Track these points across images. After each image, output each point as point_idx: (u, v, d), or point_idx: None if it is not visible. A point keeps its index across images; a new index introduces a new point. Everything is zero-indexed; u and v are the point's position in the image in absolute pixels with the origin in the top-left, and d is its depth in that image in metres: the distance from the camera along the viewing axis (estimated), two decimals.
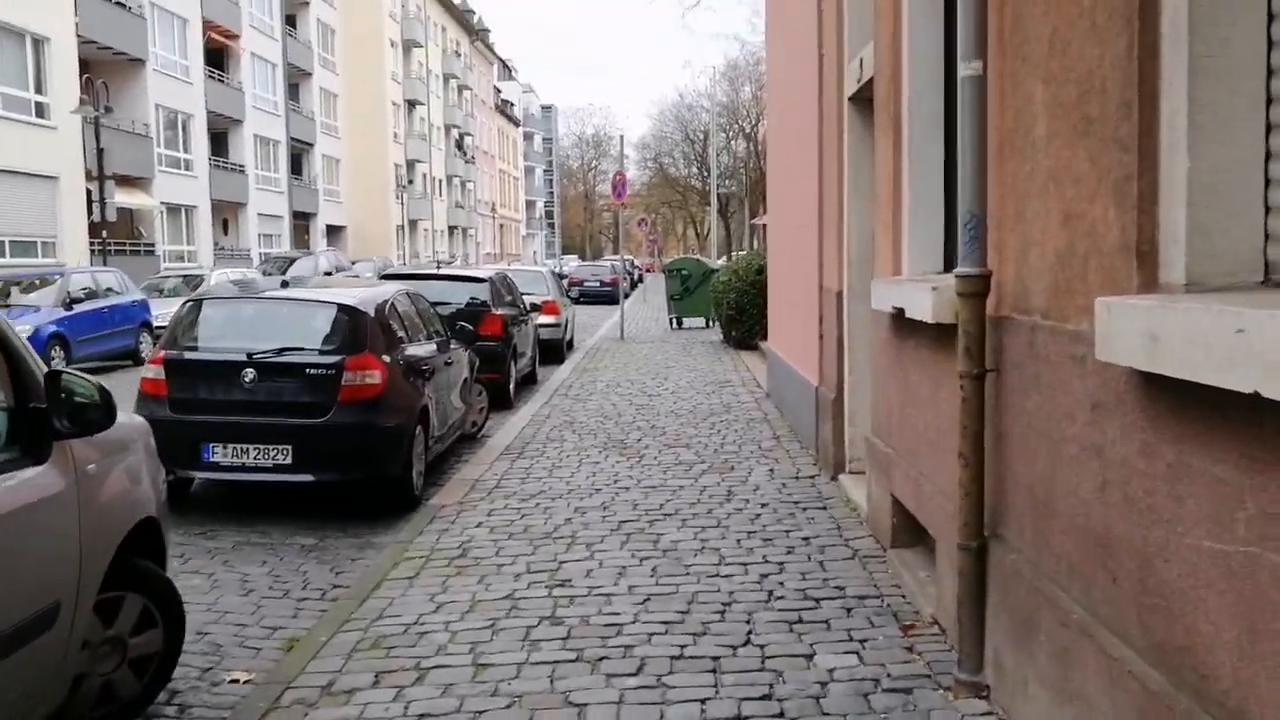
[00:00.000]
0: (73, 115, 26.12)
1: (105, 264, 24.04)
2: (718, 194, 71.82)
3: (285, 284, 8.56)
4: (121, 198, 30.67)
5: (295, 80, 52.33)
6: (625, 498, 7.93)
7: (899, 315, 5.48)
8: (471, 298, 13.48)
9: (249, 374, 7.60)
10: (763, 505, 7.57)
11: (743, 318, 19.48)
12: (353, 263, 37.49)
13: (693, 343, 21.92)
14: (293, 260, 32.11)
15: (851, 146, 7.88)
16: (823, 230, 8.84)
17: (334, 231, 57.40)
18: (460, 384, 10.36)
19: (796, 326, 10.61)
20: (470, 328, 10.66)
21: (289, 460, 7.58)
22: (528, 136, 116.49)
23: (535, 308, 16.17)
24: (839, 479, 8.06)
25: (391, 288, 9.36)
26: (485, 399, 11.46)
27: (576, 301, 42.27)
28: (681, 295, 25.69)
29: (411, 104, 67.58)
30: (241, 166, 44.62)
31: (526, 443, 10.47)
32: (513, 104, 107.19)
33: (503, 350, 13.29)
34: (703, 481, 8.45)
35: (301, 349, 7.85)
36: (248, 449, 7.56)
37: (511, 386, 13.64)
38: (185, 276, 23.88)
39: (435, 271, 13.88)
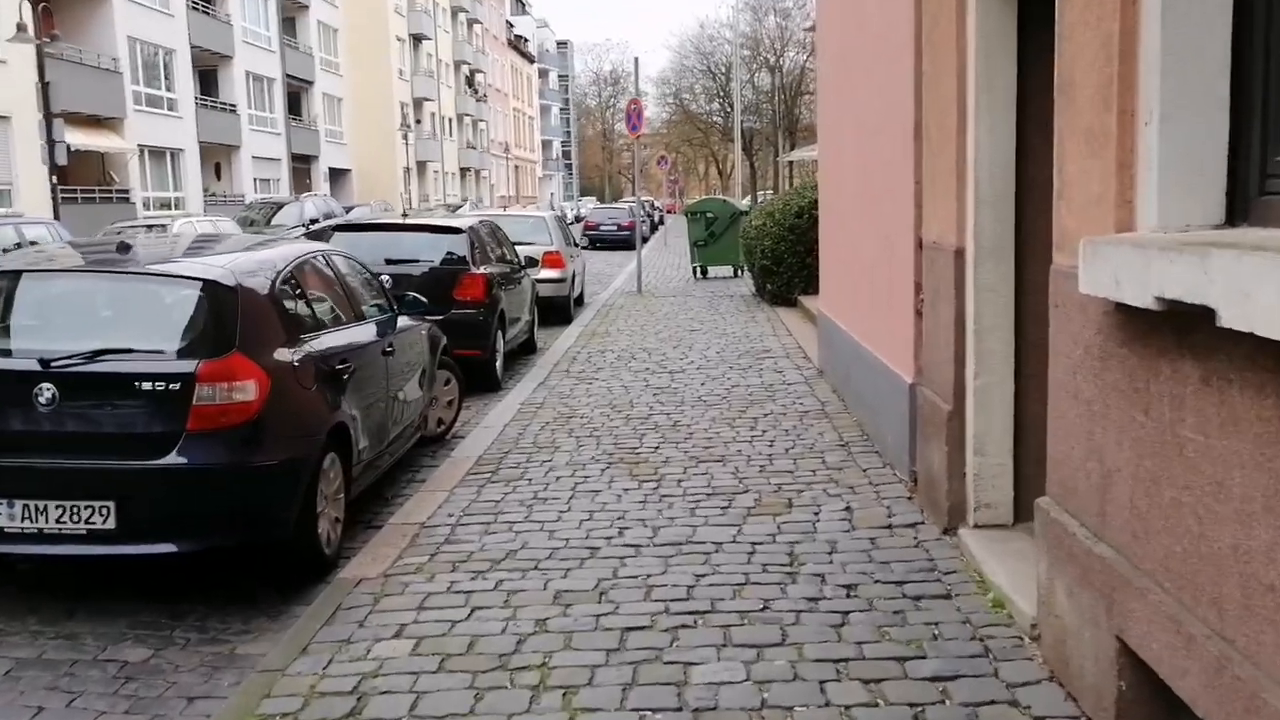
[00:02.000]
0: (24, 47, 23.27)
1: (57, 213, 21.36)
2: (741, 130, 68.49)
3: (125, 247, 5.80)
4: (85, 139, 27.99)
5: (291, 14, 49.21)
6: (633, 569, 5.21)
7: (1168, 315, 2.71)
8: (448, 253, 10.70)
9: (46, 391, 4.88)
10: (848, 591, 4.82)
11: (780, 268, 16.64)
12: (348, 208, 34.65)
13: (720, 296, 19.11)
14: (279, 206, 29.32)
15: (983, 23, 5.02)
16: (922, 156, 6.01)
17: (338, 175, 54.54)
18: (416, 375, 7.66)
19: (867, 290, 7.81)
20: (424, 299, 7.85)
21: (111, 524, 4.87)
22: (543, 74, 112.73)
23: (532, 261, 13.39)
24: (959, 534, 5.32)
25: (298, 249, 6.55)
26: (457, 388, 8.74)
27: (593, 248, 39.55)
28: (706, 241, 22.82)
29: (417, 39, 64.23)
30: (233, 106, 41.73)
31: (506, 451, 7.79)
32: (527, 39, 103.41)
33: (485, 319, 10.55)
34: (749, 532, 5.71)
35: (131, 351, 5.10)
36: (45, 508, 4.86)
37: (498, 364, 10.91)
38: (149, 226, 21.16)
39: (400, 222, 11.12)
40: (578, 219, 51.95)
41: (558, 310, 16.29)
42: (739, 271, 23.14)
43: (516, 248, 15.63)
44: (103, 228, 21.47)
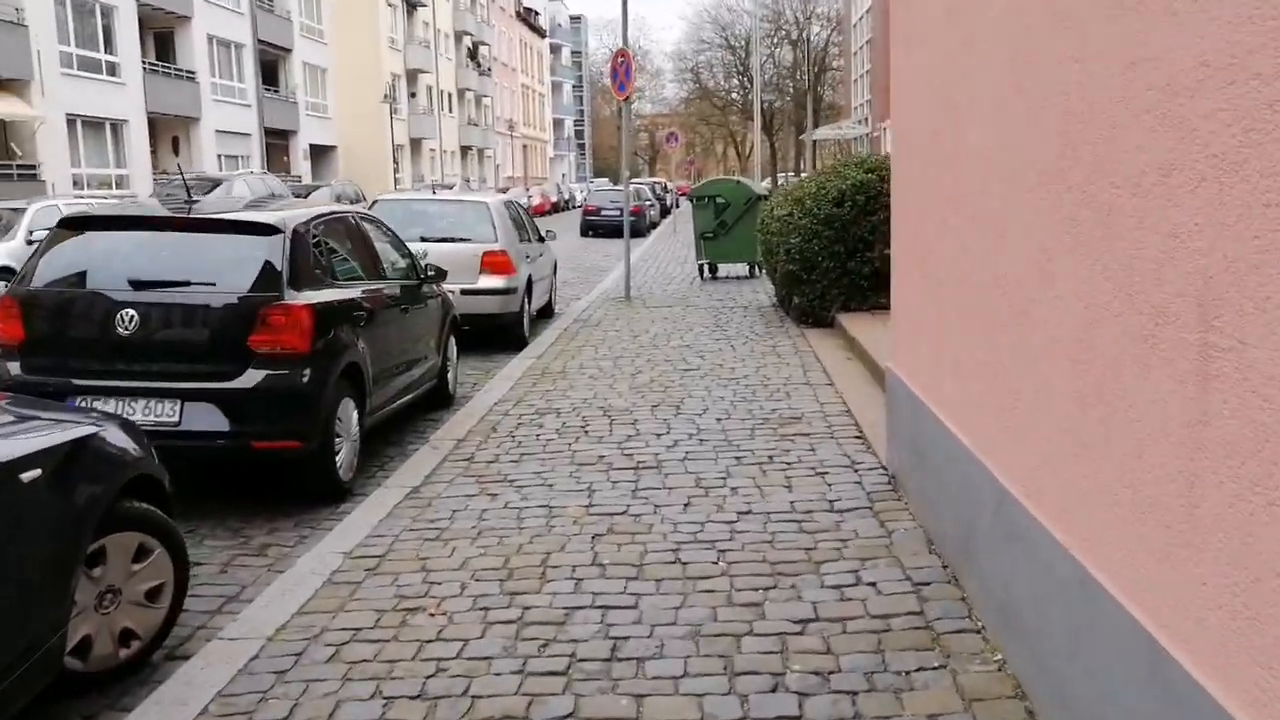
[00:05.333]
0: None
1: None
2: (762, 108, 63.76)
3: None
4: None
5: None
6: None
7: None
8: (251, 270, 6.12)
9: None
10: None
11: (812, 276, 12.07)
12: (307, 191, 29.93)
13: (730, 307, 14.56)
14: (215, 184, 24.65)
15: None
16: None
17: (321, 152, 50.02)
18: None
19: (1059, 401, 3.27)
20: None
21: None
22: (555, 49, 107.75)
23: (440, 272, 8.84)
24: None
25: None
26: (170, 568, 4.24)
27: (595, 235, 34.95)
28: (715, 232, 18.26)
29: (412, 5, 59.45)
30: (192, 73, 37.19)
31: None
32: (537, 13, 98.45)
33: (312, 381, 6.03)
34: None
35: None
36: None
37: (342, 455, 6.39)
38: (13, 209, 16.66)
39: (162, 215, 6.54)
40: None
41: (504, 331, 11.82)
42: (756, 270, 18.62)
43: (442, 246, 11.24)
44: None
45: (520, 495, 6.07)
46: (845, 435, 7.25)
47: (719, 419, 7.82)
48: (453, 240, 11.66)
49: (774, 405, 8.24)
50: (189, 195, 6.65)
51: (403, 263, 8.38)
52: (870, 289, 11.76)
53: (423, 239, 11.40)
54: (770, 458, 6.71)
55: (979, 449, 4.12)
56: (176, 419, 5.79)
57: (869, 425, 7.37)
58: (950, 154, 4.59)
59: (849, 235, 11.69)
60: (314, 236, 6.63)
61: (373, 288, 7.32)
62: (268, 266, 6.11)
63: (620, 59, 15.53)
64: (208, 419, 5.80)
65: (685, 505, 5.79)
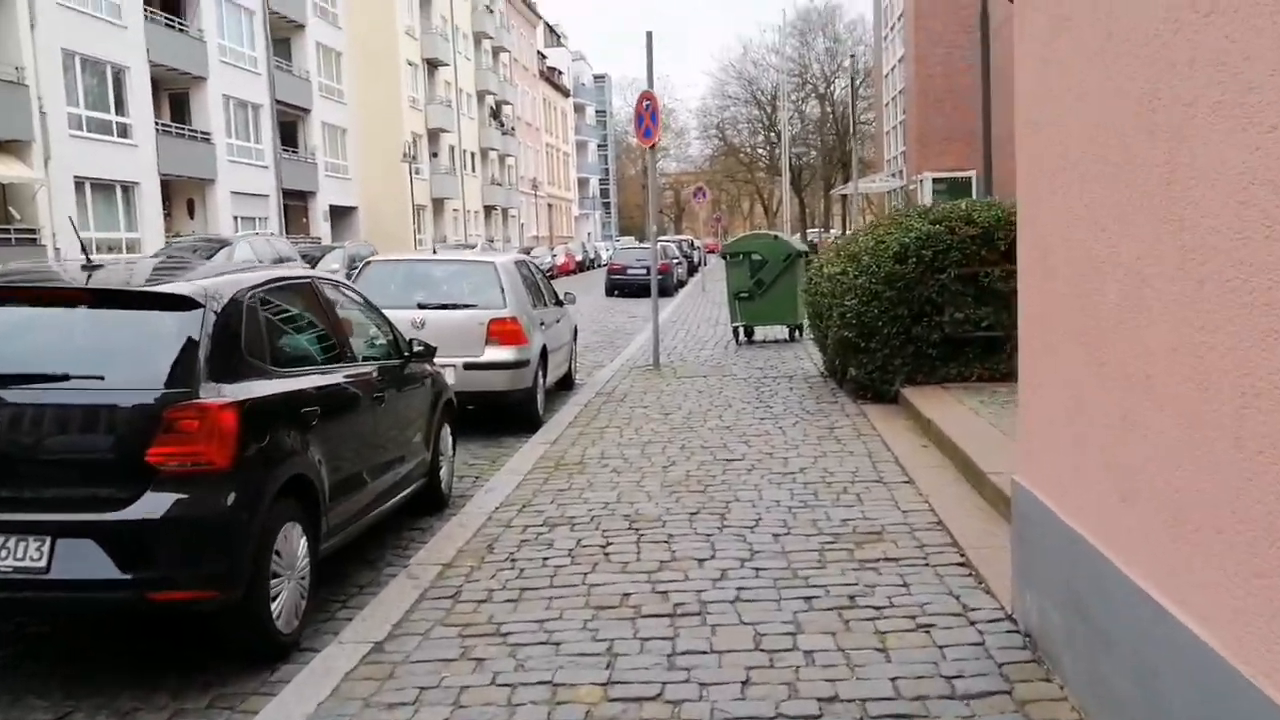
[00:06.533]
0: None
1: None
2: (790, 164, 62.65)
3: None
4: None
5: (284, 34, 43.88)
6: None
7: None
8: (178, 351, 4.58)
9: None
10: None
11: (870, 343, 10.43)
12: (315, 257, 28.24)
13: (773, 377, 12.95)
14: (221, 245, 23.35)
15: None
16: None
17: (341, 213, 49.04)
18: None
19: None
20: None
21: None
22: (579, 109, 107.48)
23: (429, 350, 7.25)
24: None
25: None
26: None
27: (622, 294, 33.36)
28: (752, 292, 16.73)
29: (433, 65, 58.82)
30: (207, 134, 36.27)
31: None
32: (561, 72, 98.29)
33: (239, 505, 4.45)
34: None
35: None
36: None
37: (277, 606, 4.76)
38: None
39: (30, 285, 4.96)
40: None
41: (514, 411, 10.26)
42: (797, 333, 17.05)
43: (442, 314, 9.78)
44: None
45: (514, 662, 4.44)
46: (944, 561, 5.58)
47: (776, 534, 6.17)
48: (455, 306, 10.16)
49: (844, 514, 6.57)
50: (88, 259, 5.13)
51: (381, 339, 6.83)
52: (940, 359, 10.14)
53: (420, 305, 9.97)
54: (851, 598, 5.05)
55: (1248, 662, 2.46)
56: (44, 563, 4.21)
57: (972, 546, 5.71)
58: (1151, 192, 2.99)
59: (914, 296, 10.09)
60: (251, 311, 5.07)
61: (335, 373, 5.75)
62: (179, 352, 4.55)
63: (645, 102, 14.09)
64: (87, 563, 4.22)
65: (743, 684, 4.14)
